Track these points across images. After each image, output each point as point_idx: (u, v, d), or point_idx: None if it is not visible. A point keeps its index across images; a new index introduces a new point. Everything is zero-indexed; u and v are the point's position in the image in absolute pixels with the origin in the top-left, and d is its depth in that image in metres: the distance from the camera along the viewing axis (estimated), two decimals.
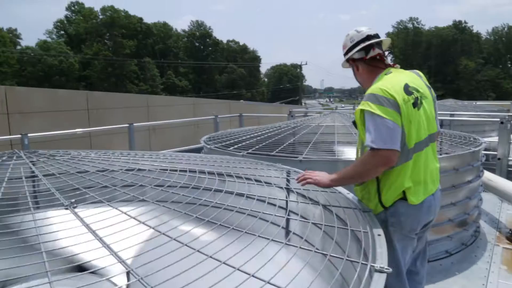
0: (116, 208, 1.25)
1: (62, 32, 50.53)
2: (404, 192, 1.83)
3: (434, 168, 1.99)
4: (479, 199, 4.08)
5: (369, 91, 1.87)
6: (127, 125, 6.23)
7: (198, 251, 1.02)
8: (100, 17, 49.11)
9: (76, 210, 1.23)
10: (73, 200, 1.27)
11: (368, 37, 2.03)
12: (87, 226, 1.11)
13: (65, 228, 1.11)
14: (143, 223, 1.16)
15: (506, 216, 4.60)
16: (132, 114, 9.99)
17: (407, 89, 1.88)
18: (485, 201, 4.63)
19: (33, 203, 1.34)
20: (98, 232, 1.08)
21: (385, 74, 1.97)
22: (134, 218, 1.18)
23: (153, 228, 1.13)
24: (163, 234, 1.10)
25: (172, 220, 1.25)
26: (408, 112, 1.82)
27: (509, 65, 63.85)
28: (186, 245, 1.04)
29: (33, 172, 1.60)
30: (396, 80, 1.90)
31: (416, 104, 1.88)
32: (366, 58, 2.03)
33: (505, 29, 63.93)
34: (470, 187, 3.77)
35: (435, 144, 2.04)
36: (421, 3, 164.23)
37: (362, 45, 2.02)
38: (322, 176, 1.85)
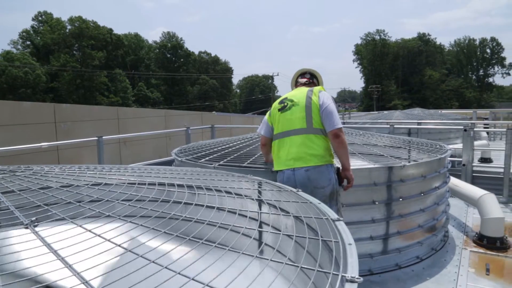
0: (80, 226, 1.20)
1: (28, 42, 49.00)
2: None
3: (294, 152, 2.82)
4: (447, 205, 4.21)
5: None
6: (96, 138, 6.06)
7: (166, 267, 0.98)
8: (68, 27, 47.98)
9: (37, 228, 1.17)
10: (33, 218, 1.21)
11: (301, 73, 3.37)
12: (48, 245, 1.06)
13: (24, 249, 1.05)
14: (109, 240, 1.11)
15: (472, 220, 4.76)
16: (102, 127, 9.75)
17: (282, 100, 3.07)
18: (452, 206, 4.79)
19: None
20: (60, 251, 1.03)
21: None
22: (99, 235, 1.14)
23: (119, 246, 1.08)
24: (130, 251, 1.06)
25: (140, 236, 1.21)
26: (273, 114, 3.07)
27: (470, 75, 66.92)
28: (153, 262, 1.01)
29: None
30: (285, 94, 3.14)
31: (281, 109, 2.99)
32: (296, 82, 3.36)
33: (466, 41, 67.13)
34: (437, 193, 3.88)
35: (304, 135, 2.82)
36: (388, 16, 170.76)
37: (296, 77, 3.40)
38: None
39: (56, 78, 44.93)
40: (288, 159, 2.85)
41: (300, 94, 3.00)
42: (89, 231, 1.17)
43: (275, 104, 3.12)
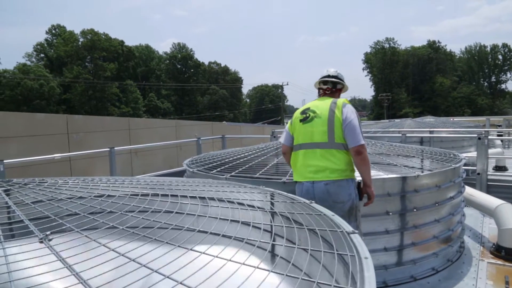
0: (94, 240, 1.19)
1: (42, 55, 50.03)
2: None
3: (314, 165, 2.78)
4: (462, 215, 4.13)
5: None
6: (108, 149, 6.12)
7: (181, 283, 0.97)
8: (81, 40, 48.91)
9: (51, 242, 1.17)
10: (48, 233, 1.21)
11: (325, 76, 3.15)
12: (62, 260, 1.05)
13: (38, 264, 1.05)
14: (123, 255, 1.11)
15: (489, 230, 4.65)
16: (114, 137, 9.85)
17: (304, 111, 2.98)
18: (468, 216, 4.68)
19: (5, 236, 1.27)
20: (74, 266, 1.02)
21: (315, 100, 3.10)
22: (113, 250, 1.13)
23: (133, 260, 1.08)
24: (144, 266, 1.05)
25: (155, 250, 1.20)
26: (294, 123, 3.01)
27: (482, 82, 66.18)
28: (168, 277, 1.00)
29: (6, 202, 1.53)
30: (308, 104, 3.07)
31: (303, 120, 2.92)
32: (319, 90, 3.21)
33: (477, 48, 66.54)
34: (452, 203, 3.81)
35: (325, 150, 2.77)
36: (396, 24, 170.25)
37: (318, 81, 3.19)
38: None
39: (69, 90, 45.70)
40: (307, 171, 2.80)
41: (323, 105, 2.90)
42: (103, 245, 1.16)
43: (297, 114, 3.05)
